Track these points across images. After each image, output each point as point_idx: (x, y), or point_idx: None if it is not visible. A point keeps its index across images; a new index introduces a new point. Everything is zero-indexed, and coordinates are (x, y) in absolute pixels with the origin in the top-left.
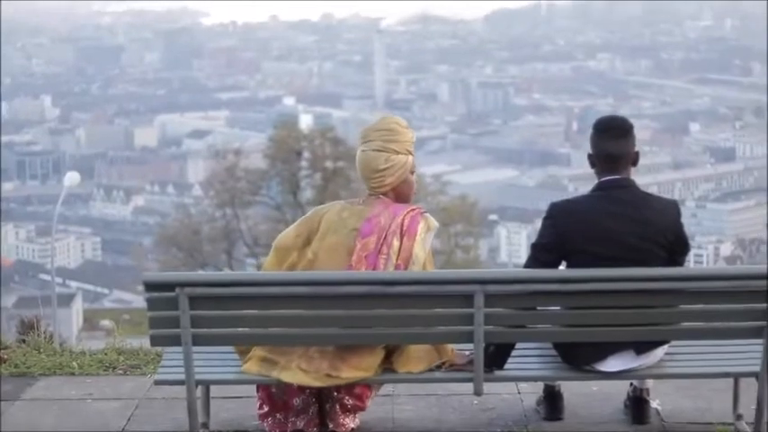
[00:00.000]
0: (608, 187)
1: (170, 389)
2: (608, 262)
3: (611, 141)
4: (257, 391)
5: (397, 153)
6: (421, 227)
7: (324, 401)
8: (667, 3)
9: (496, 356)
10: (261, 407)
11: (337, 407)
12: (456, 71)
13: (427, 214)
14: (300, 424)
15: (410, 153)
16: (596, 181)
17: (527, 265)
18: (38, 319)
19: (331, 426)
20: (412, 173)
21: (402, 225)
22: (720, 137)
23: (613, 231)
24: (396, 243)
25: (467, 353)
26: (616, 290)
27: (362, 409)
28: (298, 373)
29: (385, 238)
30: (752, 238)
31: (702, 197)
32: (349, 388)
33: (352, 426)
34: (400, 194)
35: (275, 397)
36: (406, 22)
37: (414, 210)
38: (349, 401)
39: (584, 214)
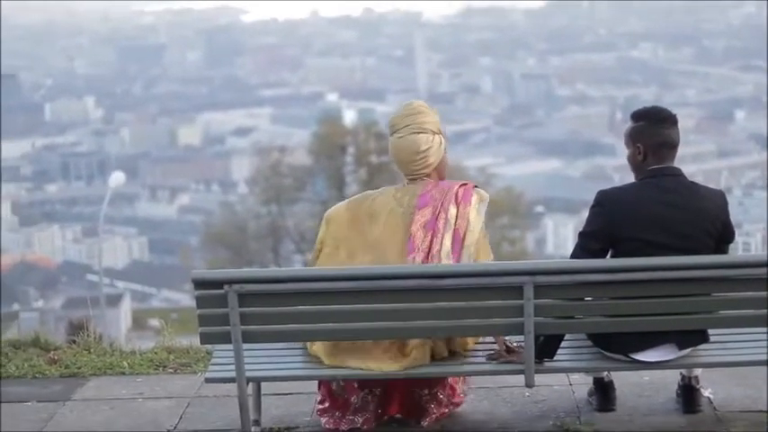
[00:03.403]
0: (657, 175)
1: (221, 386)
2: (658, 250)
3: (670, 130)
4: (318, 387)
5: (434, 133)
6: (474, 198)
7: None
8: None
9: (546, 347)
10: (322, 402)
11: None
12: (498, 63)
13: (478, 188)
14: (359, 421)
15: (441, 132)
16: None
17: (574, 254)
18: (87, 319)
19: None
20: (445, 151)
21: (456, 195)
22: (766, 123)
23: (664, 219)
24: (452, 209)
25: (514, 344)
26: (666, 279)
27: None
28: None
29: (442, 204)
30: None
31: (749, 185)
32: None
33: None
34: (439, 173)
35: (335, 394)
36: (447, 16)
37: (465, 184)
38: (442, 394)
39: (634, 201)
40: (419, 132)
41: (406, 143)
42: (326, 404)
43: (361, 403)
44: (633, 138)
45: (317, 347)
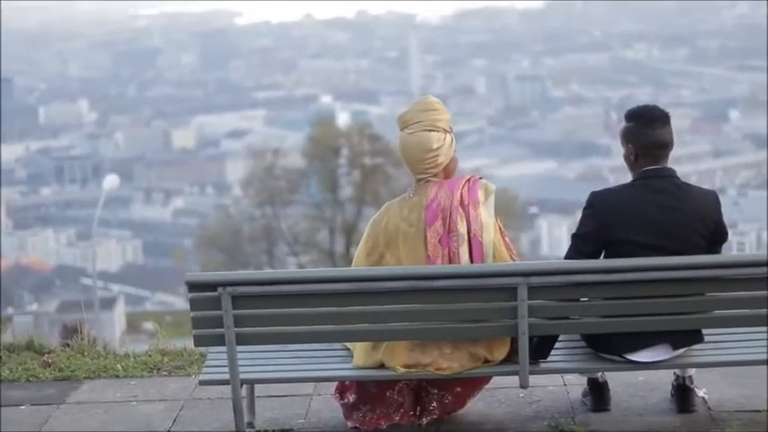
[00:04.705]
0: (649, 177)
1: (215, 389)
2: (650, 251)
3: (661, 130)
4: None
5: (446, 131)
6: (480, 194)
7: (423, 397)
8: None
9: (540, 348)
10: (343, 396)
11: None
12: (492, 65)
13: (482, 180)
14: (396, 417)
15: (451, 131)
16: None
17: (568, 256)
18: (81, 322)
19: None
20: (455, 151)
21: (462, 199)
22: (761, 123)
23: (656, 221)
24: (461, 220)
25: None
26: (660, 279)
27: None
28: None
29: (450, 216)
30: None
31: (744, 185)
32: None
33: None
34: (449, 172)
35: (366, 387)
36: (441, 17)
37: (468, 180)
38: (448, 399)
39: (626, 203)
40: (431, 130)
41: (417, 140)
42: (351, 398)
43: (397, 396)
44: (625, 138)
45: (398, 358)
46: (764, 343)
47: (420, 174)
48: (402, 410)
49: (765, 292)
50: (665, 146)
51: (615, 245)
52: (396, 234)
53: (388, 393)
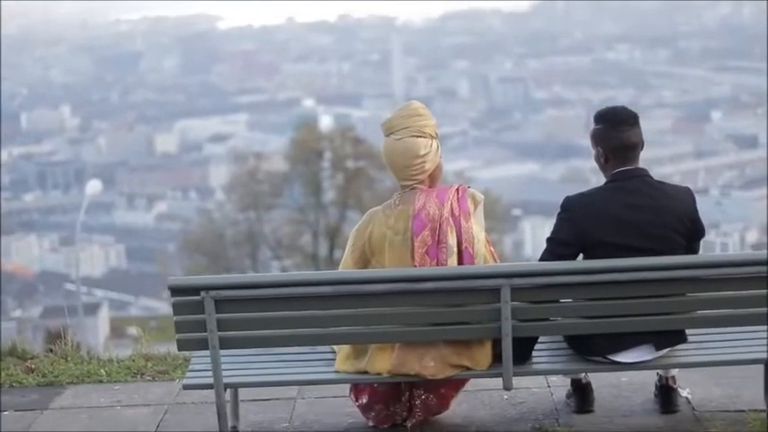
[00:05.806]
0: (623, 178)
1: (199, 393)
2: (629, 252)
3: (629, 131)
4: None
5: (432, 137)
6: (470, 205)
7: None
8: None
9: (520, 350)
10: (357, 398)
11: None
12: (475, 67)
13: (470, 189)
14: (400, 412)
15: (437, 136)
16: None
17: (543, 260)
18: (64, 328)
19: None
20: (440, 157)
21: (452, 210)
22: (742, 123)
23: (633, 222)
24: (451, 231)
25: None
26: (643, 279)
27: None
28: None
29: (440, 227)
30: None
31: (726, 185)
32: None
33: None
34: (434, 179)
35: (376, 387)
36: (424, 20)
37: (457, 189)
38: (433, 400)
39: (602, 207)
40: (418, 136)
41: (404, 146)
42: (365, 399)
43: (400, 394)
44: (594, 140)
45: (380, 366)
46: (747, 343)
47: (406, 180)
48: (405, 404)
49: (747, 292)
50: (633, 147)
51: (593, 248)
52: (381, 242)
53: (393, 387)
